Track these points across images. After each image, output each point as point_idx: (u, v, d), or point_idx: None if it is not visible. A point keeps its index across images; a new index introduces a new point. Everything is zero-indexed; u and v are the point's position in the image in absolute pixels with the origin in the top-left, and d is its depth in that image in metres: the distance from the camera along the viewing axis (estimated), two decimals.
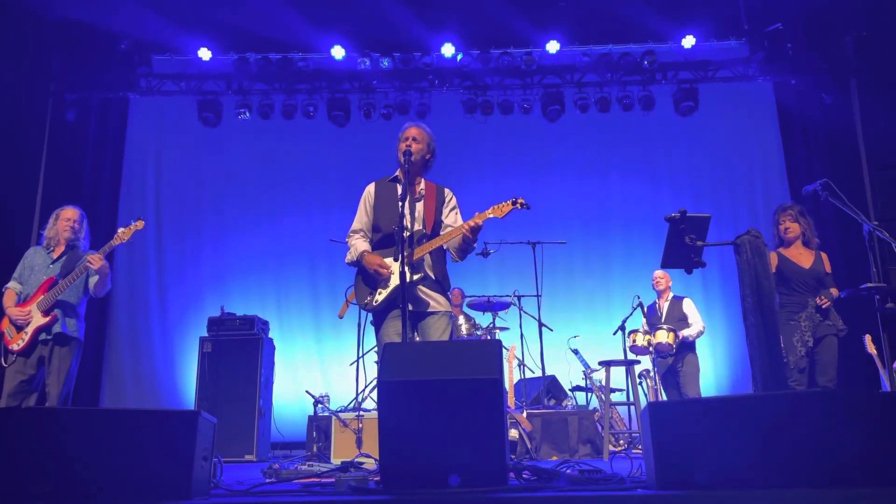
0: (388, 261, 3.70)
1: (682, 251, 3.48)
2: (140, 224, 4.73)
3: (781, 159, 8.36)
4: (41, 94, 8.02)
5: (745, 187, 8.58)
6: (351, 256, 3.86)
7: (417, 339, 3.73)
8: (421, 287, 3.71)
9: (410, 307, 3.62)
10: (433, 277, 3.77)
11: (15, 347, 4.53)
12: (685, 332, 6.31)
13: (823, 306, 4.66)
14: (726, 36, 8.26)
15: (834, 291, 4.81)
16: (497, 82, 8.35)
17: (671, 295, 6.66)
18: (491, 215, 3.70)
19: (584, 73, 8.27)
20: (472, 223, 3.61)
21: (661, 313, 6.59)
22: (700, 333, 6.41)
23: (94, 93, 8.19)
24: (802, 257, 4.80)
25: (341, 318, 6.67)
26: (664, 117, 8.37)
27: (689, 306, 6.54)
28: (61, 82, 8.09)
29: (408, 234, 3.65)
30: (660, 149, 8.70)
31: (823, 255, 4.87)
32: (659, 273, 6.70)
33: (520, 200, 3.71)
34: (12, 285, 4.73)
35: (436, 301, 3.75)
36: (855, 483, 2.31)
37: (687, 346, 6.36)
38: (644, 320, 6.64)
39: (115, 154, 8.42)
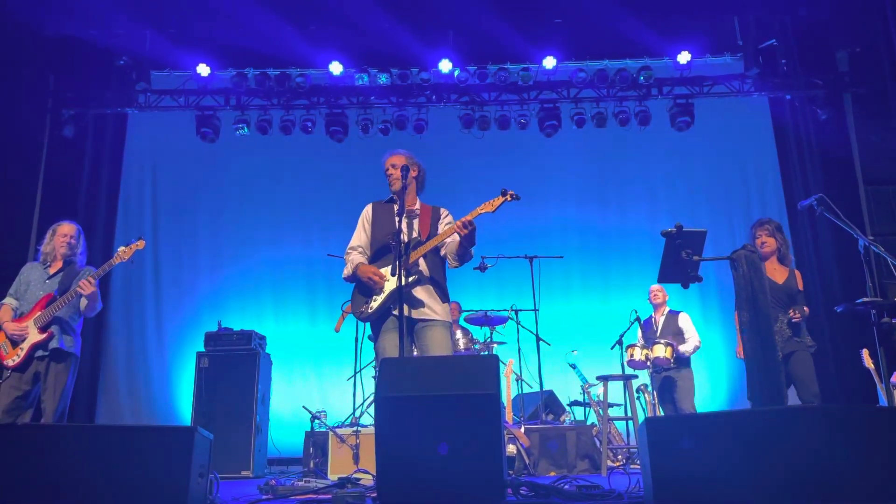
0: (384, 270, 3.74)
1: (678, 266, 3.50)
2: (141, 244, 4.73)
3: (777, 174, 8.39)
4: (39, 110, 8.04)
5: (741, 202, 8.61)
6: (348, 271, 3.93)
7: (415, 350, 3.73)
8: (416, 290, 3.72)
9: (406, 310, 3.62)
10: (429, 280, 3.78)
11: (10, 363, 4.51)
12: (682, 348, 6.28)
13: (795, 320, 4.63)
14: (721, 52, 8.32)
15: (805, 310, 4.80)
16: (494, 98, 8.40)
17: (667, 309, 6.66)
18: (482, 211, 3.69)
19: (580, 89, 8.31)
20: (463, 220, 3.60)
21: (657, 327, 6.58)
22: (696, 348, 6.39)
23: (91, 109, 8.20)
24: (777, 273, 4.80)
25: (337, 331, 6.67)
26: (660, 132, 8.41)
27: (684, 321, 6.53)
28: (59, 98, 8.11)
29: (404, 244, 3.69)
30: (656, 164, 8.74)
31: (797, 273, 4.87)
32: (655, 287, 6.70)
33: (510, 192, 3.68)
34: (8, 301, 4.72)
35: (432, 309, 3.75)
36: (852, 499, 2.30)
37: (682, 361, 6.33)
38: (640, 334, 6.63)
39: (113, 169, 8.42)
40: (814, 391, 4.61)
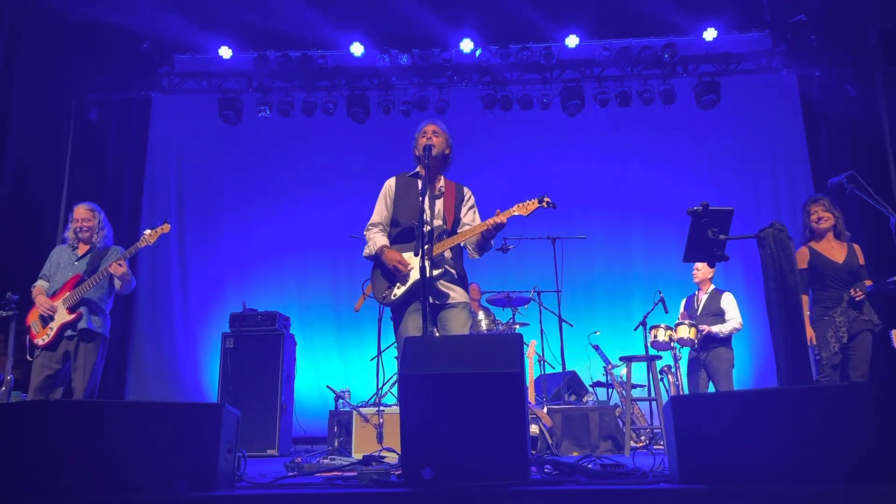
0: (408, 256, 3.72)
1: (704, 245, 3.46)
2: (166, 227, 4.77)
3: (805, 152, 8.25)
4: (64, 94, 8.13)
5: (768, 180, 8.49)
6: (369, 250, 3.87)
7: (437, 332, 3.73)
8: (441, 281, 3.72)
9: (431, 300, 3.63)
10: (453, 273, 3.78)
11: (40, 342, 4.60)
12: (716, 328, 6.05)
13: (857, 298, 4.57)
14: (748, 28, 8.16)
15: (868, 283, 4.71)
16: (516, 77, 8.33)
17: (712, 287, 6.36)
18: (516, 213, 3.67)
19: (603, 68, 8.21)
20: (495, 220, 3.59)
21: (699, 306, 6.34)
22: (735, 330, 6.09)
23: (116, 92, 8.29)
24: (835, 251, 4.71)
25: (357, 311, 6.70)
26: (685, 111, 8.30)
27: (727, 301, 6.23)
28: (84, 82, 8.19)
29: (427, 229, 3.66)
30: (681, 143, 8.63)
31: (856, 248, 4.76)
32: (698, 264, 6.46)
33: (546, 199, 3.67)
34: (40, 283, 4.81)
35: (455, 293, 3.75)
36: (880, 479, 2.28)
37: (719, 340, 6.08)
38: (682, 311, 6.49)
39: (138, 152, 8.51)
40: (862, 371, 4.55)
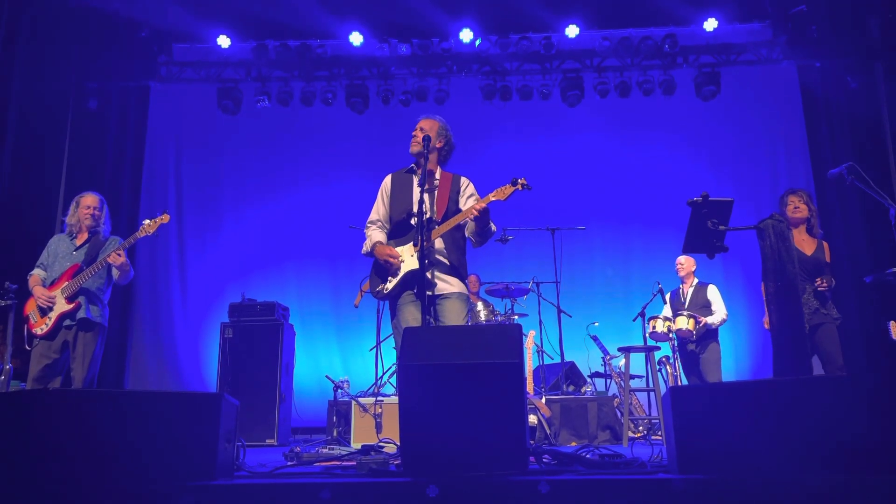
0: (400, 249, 3.74)
1: (704, 236, 3.46)
2: (166, 218, 4.76)
3: (805, 143, 8.23)
4: (63, 82, 8.08)
5: (768, 171, 8.49)
6: (366, 248, 3.92)
7: (432, 323, 3.73)
8: (432, 272, 3.71)
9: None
10: (446, 263, 3.77)
11: (38, 332, 4.59)
12: (708, 320, 6.15)
13: (820, 288, 4.58)
14: (749, 18, 8.12)
15: (832, 281, 4.75)
16: (516, 68, 8.29)
17: (696, 280, 6.50)
18: (493, 199, 3.67)
19: (603, 58, 8.19)
20: (476, 207, 3.61)
21: (685, 299, 6.46)
22: (723, 321, 6.24)
23: (115, 81, 8.24)
24: (805, 244, 4.75)
25: (356, 307, 6.72)
26: (685, 102, 8.28)
27: (713, 293, 6.37)
28: (83, 71, 8.15)
29: (425, 218, 3.66)
30: (681, 133, 8.61)
31: (825, 245, 4.82)
32: (681, 258, 6.57)
33: (521, 181, 3.66)
34: (37, 272, 4.79)
35: (449, 283, 3.75)
36: (876, 470, 2.29)
37: (709, 334, 6.21)
38: (667, 305, 6.55)
39: (137, 141, 8.47)
40: (839, 364, 4.57)
